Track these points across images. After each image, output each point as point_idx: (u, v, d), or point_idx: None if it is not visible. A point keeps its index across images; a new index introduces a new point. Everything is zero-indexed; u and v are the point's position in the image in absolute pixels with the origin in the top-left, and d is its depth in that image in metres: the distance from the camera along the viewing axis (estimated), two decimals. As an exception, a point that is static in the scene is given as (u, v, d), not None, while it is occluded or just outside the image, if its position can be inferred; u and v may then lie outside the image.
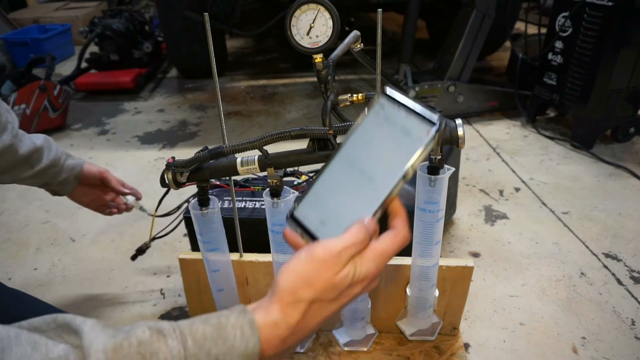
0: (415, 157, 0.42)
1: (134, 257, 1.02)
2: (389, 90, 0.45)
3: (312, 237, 0.45)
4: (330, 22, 0.54)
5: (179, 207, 1.01)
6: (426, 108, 0.43)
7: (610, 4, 1.41)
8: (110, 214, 0.97)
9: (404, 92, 0.44)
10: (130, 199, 0.96)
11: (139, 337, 0.34)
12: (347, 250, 0.41)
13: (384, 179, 0.44)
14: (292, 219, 0.47)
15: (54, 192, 0.87)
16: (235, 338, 0.37)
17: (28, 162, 0.77)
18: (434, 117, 0.42)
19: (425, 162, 0.63)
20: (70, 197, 0.90)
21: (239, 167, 0.63)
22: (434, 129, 0.42)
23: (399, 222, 0.45)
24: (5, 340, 0.32)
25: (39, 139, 0.79)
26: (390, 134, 0.44)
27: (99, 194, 0.93)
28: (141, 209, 0.98)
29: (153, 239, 0.98)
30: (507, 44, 2.45)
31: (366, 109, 0.46)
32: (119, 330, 0.35)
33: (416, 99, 0.44)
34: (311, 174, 0.98)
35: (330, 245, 0.41)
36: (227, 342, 0.37)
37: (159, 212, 0.95)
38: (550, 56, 1.65)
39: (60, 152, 0.83)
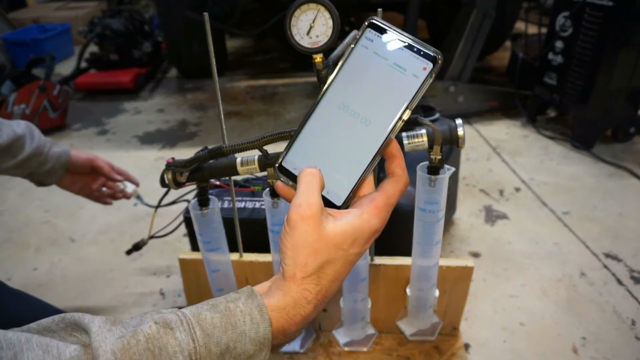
0: (411, 96, 0.40)
1: (129, 252, 1.02)
2: (377, 20, 0.42)
3: None
4: (330, 22, 0.54)
5: (174, 202, 1.01)
6: (421, 42, 0.40)
7: (610, 4, 1.41)
8: (106, 203, 0.93)
9: (393, 26, 0.42)
10: (129, 186, 0.93)
11: (146, 333, 0.34)
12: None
13: (379, 121, 0.41)
14: (281, 169, 0.44)
15: (39, 183, 0.83)
16: (244, 324, 0.37)
17: (9, 152, 0.74)
18: (431, 51, 0.39)
19: (425, 163, 0.63)
20: (58, 185, 0.86)
21: (238, 167, 0.63)
22: (432, 64, 0.39)
23: (397, 168, 0.43)
24: (16, 345, 0.32)
25: (19, 126, 0.75)
26: (382, 70, 0.41)
27: (89, 181, 0.89)
28: (138, 197, 0.97)
29: (152, 237, 0.98)
30: (507, 44, 2.45)
31: (352, 43, 0.42)
32: (127, 326, 0.35)
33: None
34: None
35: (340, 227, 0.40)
36: (236, 329, 0.36)
37: (159, 212, 0.95)
38: (550, 56, 1.65)
39: (43, 139, 0.79)
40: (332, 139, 0.43)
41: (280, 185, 0.44)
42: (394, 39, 0.41)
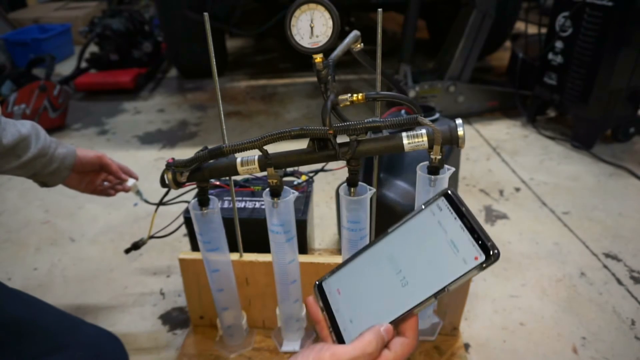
0: (452, 280, 0.39)
1: (127, 251, 1.01)
2: (453, 193, 0.42)
3: (331, 318, 0.45)
4: (330, 22, 0.54)
5: (170, 200, 1.00)
6: (484, 231, 0.39)
7: (610, 4, 1.41)
8: (110, 194, 0.93)
9: (465, 205, 0.42)
10: (129, 180, 0.94)
11: None
12: None
13: (415, 289, 0.41)
14: (319, 288, 0.47)
15: (43, 184, 0.82)
16: None
17: (14, 152, 0.72)
18: (489, 244, 0.38)
19: (425, 163, 0.63)
20: (65, 185, 0.85)
21: (238, 167, 0.63)
22: (484, 258, 0.38)
23: (410, 331, 0.43)
24: None
25: (24, 126, 0.74)
26: (437, 242, 0.41)
27: (93, 177, 0.89)
28: (138, 192, 0.97)
29: (151, 237, 0.98)
30: (507, 44, 2.45)
31: (423, 204, 0.44)
32: None
33: (475, 218, 0.41)
34: (311, 174, 0.98)
35: (340, 353, 0.40)
36: None
37: (159, 212, 0.94)
38: (550, 56, 1.65)
39: (49, 140, 0.78)
40: (370, 283, 0.44)
41: (311, 301, 0.46)
42: (460, 218, 0.41)
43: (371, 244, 0.46)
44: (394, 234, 0.45)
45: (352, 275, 0.46)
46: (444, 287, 0.39)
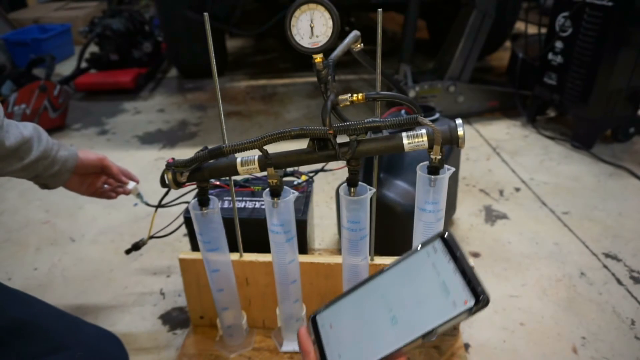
0: (442, 322, 0.39)
1: (128, 251, 1.01)
2: (450, 238, 0.42)
3: (321, 352, 0.46)
4: (330, 22, 0.54)
5: (170, 202, 1.00)
6: (476, 276, 0.39)
7: (610, 4, 1.41)
8: (111, 197, 0.93)
9: (460, 249, 0.42)
10: (130, 183, 0.94)
11: None
12: None
13: (404, 328, 0.41)
14: (313, 321, 0.48)
15: (44, 186, 0.82)
16: None
17: (17, 154, 0.72)
18: (479, 289, 0.38)
19: (425, 163, 0.63)
20: (66, 187, 0.85)
21: (238, 167, 0.63)
22: (473, 303, 0.38)
23: None
24: None
25: (27, 128, 0.73)
26: (429, 283, 0.41)
27: (94, 180, 0.89)
28: (138, 195, 0.96)
29: (151, 237, 0.98)
30: (507, 44, 2.45)
31: (420, 244, 0.44)
32: None
33: (469, 264, 0.41)
34: (311, 174, 0.98)
35: None
36: None
37: (159, 212, 0.94)
38: (550, 56, 1.65)
39: (51, 142, 0.77)
40: (361, 319, 0.45)
41: (302, 332, 0.46)
42: (454, 261, 0.41)
43: (367, 280, 0.46)
44: (389, 272, 0.45)
45: (345, 310, 0.46)
46: (432, 330, 0.39)
